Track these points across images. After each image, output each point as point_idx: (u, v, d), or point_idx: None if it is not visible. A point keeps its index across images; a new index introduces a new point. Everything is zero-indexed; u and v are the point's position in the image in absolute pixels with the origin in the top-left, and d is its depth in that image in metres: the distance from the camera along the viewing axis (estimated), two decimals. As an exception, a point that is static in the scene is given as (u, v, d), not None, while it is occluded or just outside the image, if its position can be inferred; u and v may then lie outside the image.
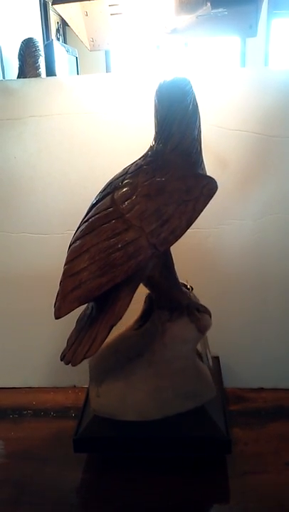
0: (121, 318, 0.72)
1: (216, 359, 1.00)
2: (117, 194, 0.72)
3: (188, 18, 1.05)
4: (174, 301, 0.79)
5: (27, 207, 1.03)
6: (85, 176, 0.99)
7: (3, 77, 2.30)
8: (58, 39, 3.62)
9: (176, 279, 0.80)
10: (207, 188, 0.71)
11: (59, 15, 1.77)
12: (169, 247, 0.76)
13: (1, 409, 1.01)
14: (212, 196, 0.72)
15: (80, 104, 0.98)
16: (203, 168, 0.76)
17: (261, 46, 4.02)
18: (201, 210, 0.71)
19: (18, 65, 1.64)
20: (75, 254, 0.72)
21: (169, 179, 0.71)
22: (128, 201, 0.70)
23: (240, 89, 0.96)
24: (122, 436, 0.80)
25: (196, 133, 0.74)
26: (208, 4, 0.98)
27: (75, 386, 1.07)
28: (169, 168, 0.72)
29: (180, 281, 0.88)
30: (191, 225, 0.71)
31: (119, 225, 0.70)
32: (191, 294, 0.86)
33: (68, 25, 1.22)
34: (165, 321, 0.80)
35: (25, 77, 1.57)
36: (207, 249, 1.02)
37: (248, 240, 1.01)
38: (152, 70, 0.99)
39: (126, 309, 0.73)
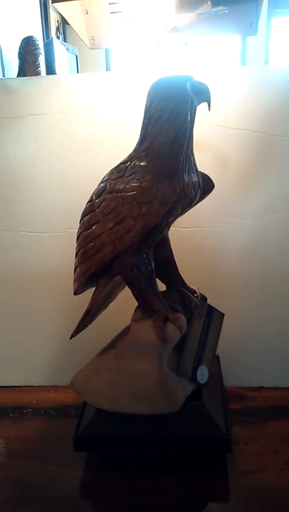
0: (93, 305, 0.79)
1: (216, 358, 1.00)
2: (96, 189, 0.76)
3: (188, 17, 1.04)
4: (147, 304, 0.79)
5: (27, 205, 1.03)
6: (84, 175, 0.99)
7: (3, 76, 2.29)
8: (58, 37, 3.61)
9: (151, 282, 0.78)
10: (161, 193, 0.69)
11: (59, 13, 1.77)
12: (143, 249, 0.76)
13: (1, 407, 1.01)
14: (167, 202, 0.70)
15: (80, 103, 0.98)
16: (179, 174, 0.72)
17: (261, 45, 4.02)
18: (157, 215, 0.70)
19: (18, 64, 1.64)
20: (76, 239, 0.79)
21: (131, 179, 0.72)
22: (100, 197, 0.74)
23: (241, 88, 0.95)
24: (122, 435, 0.80)
25: (174, 136, 0.71)
26: (209, 2, 0.97)
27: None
28: (137, 168, 0.72)
29: (192, 287, 0.86)
30: (147, 227, 0.70)
31: (92, 219, 0.75)
32: (196, 303, 0.84)
33: (68, 24, 1.22)
34: (133, 319, 0.81)
35: (25, 76, 1.57)
36: (207, 248, 1.02)
37: (248, 239, 1.01)
38: (152, 68, 0.98)
39: (97, 298, 0.79)
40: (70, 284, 1.02)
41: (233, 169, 0.98)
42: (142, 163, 0.72)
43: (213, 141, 0.97)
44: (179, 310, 0.82)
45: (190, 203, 0.76)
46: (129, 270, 0.76)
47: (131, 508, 0.76)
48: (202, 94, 0.74)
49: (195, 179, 0.75)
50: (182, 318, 0.80)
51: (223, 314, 0.87)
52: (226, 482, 0.79)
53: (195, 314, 0.83)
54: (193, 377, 0.81)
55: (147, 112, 0.73)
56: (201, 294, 0.86)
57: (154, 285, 0.78)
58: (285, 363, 1.04)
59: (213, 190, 0.81)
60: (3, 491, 0.79)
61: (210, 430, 0.79)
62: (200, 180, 0.77)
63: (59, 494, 0.79)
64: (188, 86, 0.72)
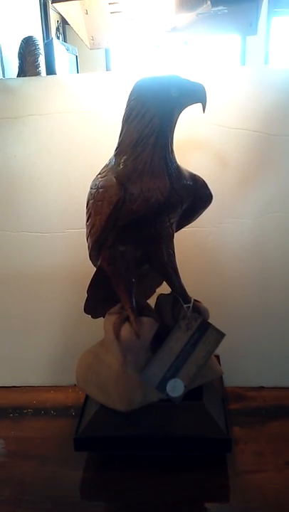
0: (88, 290, 0.84)
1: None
2: None
3: (188, 17, 1.04)
4: (121, 300, 0.80)
5: (27, 206, 1.03)
6: (84, 175, 0.98)
7: (3, 76, 2.29)
8: (58, 37, 3.61)
9: (125, 279, 0.78)
10: (108, 193, 0.70)
11: (59, 13, 1.77)
12: (119, 246, 0.76)
13: (1, 408, 1.01)
14: (112, 203, 0.69)
15: (79, 103, 0.98)
16: (137, 178, 0.69)
17: (261, 44, 4.02)
18: (109, 214, 0.70)
19: (17, 64, 1.64)
20: None
21: (98, 177, 0.74)
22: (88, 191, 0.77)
23: (241, 88, 0.95)
24: (122, 435, 0.80)
25: (136, 139, 0.70)
26: (208, 2, 0.97)
27: (75, 385, 1.07)
28: (107, 167, 0.74)
29: (190, 297, 0.82)
30: (104, 224, 0.71)
31: (87, 210, 0.78)
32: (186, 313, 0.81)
33: (68, 24, 1.22)
34: (108, 312, 0.82)
35: (25, 76, 1.57)
36: (207, 248, 1.02)
37: (248, 239, 1.01)
38: (152, 68, 0.98)
39: (90, 283, 0.84)
40: (70, 284, 1.03)
41: (233, 169, 0.98)
42: (111, 162, 0.74)
43: (213, 141, 0.97)
44: (150, 315, 0.81)
45: (165, 208, 0.72)
46: (106, 264, 0.78)
47: (131, 508, 0.76)
48: (192, 96, 0.70)
49: (165, 185, 0.70)
50: (145, 323, 0.78)
51: (224, 335, 0.82)
52: (226, 482, 0.79)
53: (180, 324, 0.80)
54: (162, 387, 0.77)
55: (124, 110, 0.73)
56: (198, 306, 0.82)
57: (127, 283, 0.78)
58: (285, 363, 1.04)
59: (213, 190, 0.80)
60: (3, 491, 0.79)
61: (210, 430, 0.79)
62: (176, 186, 0.71)
63: (59, 494, 0.79)
64: (165, 88, 0.68)
